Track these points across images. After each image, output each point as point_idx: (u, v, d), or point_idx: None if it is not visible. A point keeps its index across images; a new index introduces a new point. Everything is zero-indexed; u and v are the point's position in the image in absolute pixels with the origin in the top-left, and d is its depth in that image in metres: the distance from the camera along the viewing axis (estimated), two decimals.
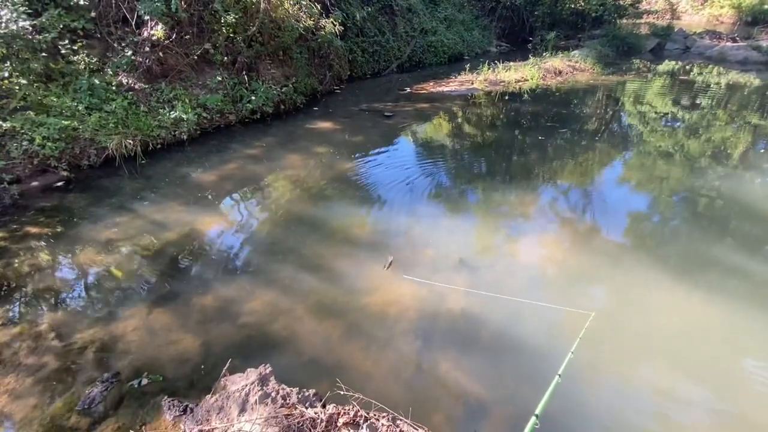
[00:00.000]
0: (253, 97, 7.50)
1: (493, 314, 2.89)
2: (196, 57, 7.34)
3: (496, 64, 10.95)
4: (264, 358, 2.44)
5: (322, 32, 9.02)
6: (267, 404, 1.88)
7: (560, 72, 11.01)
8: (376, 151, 6.30)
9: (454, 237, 3.88)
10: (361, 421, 1.78)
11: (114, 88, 6.32)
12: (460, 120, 7.90)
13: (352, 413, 1.82)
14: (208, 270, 3.55)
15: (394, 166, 5.74)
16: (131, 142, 5.72)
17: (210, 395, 2.10)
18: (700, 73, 11.16)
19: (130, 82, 6.62)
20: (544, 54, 12.21)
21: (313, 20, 8.75)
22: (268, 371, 2.10)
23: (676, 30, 15.16)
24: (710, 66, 11.98)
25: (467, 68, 10.92)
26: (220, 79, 7.30)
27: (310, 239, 3.93)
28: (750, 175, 5.01)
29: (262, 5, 7.75)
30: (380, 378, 2.43)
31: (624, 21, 16.85)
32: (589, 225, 4.16)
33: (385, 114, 8.12)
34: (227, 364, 2.30)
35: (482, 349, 2.64)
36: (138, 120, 6.03)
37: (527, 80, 10.25)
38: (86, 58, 6.28)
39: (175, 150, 6.17)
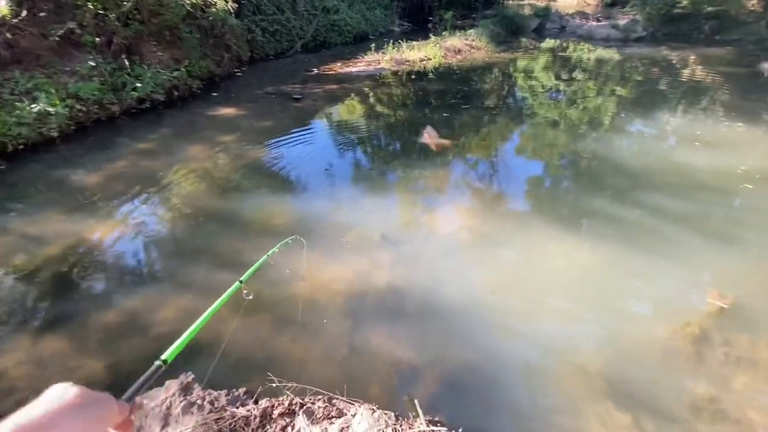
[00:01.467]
0: (139, 84, 6.62)
1: (416, 284, 3.04)
2: (57, 38, 6.21)
3: (400, 43, 11.14)
4: (188, 366, 2.26)
5: (213, 9, 8.24)
6: (193, 413, 1.76)
7: (459, 50, 11.61)
8: (288, 136, 6.06)
9: (376, 215, 3.95)
10: (297, 408, 1.76)
11: None
12: (372, 101, 7.94)
13: (286, 403, 1.79)
14: (106, 283, 3.14)
15: (309, 150, 5.59)
16: None
17: None
18: (575, 50, 12.66)
19: None
20: (443, 33, 12.73)
21: None
22: (190, 379, 1.96)
23: (553, 11, 16.88)
24: (581, 43, 13.64)
25: (373, 48, 10.94)
26: (93, 64, 6.29)
27: (224, 235, 3.68)
28: (617, 137, 5.90)
29: None
30: (314, 364, 2.42)
31: (510, 2, 18.32)
32: (495, 193, 4.54)
33: (294, 97, 7.81)
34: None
35: (410, 317, 2.77)
36: None
37: (430, 59, 10.64)
38: None
39: (44, 150, 5.24)
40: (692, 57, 10.75)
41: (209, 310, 0.87)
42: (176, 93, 7.26)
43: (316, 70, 9.78)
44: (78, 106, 5.84)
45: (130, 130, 6.01)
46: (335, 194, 4.45)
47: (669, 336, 2.52)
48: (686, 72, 9.43)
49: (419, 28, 15.45)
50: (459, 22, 15.59)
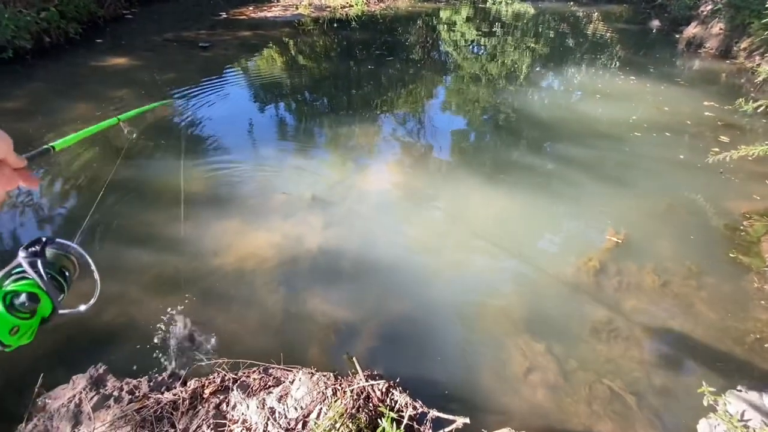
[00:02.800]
0: None
1: (349, 244, 3.01)
2: None
3: None
4: (99, 358, 2.02)
5: None
6: (110, 407, 1.59)
7: None
8: (198, 90, 5.41)
9: (305, 177, 3.78)
10: (231, 384, 1.69)
11: None
12: (292, 51, 7.33)
13: (218, 380, 1.70)
14: None
15: (224, 107, 5.07)
16: None
17: (24, 424, 1.66)
18: (494, 3, 12.81)
19: None
20: None
21: None
22: (102, 371, 1.76)
23: None
24: None
25: None
26: None
27: (131, 207, 3.25)
28: (531, 91, 6.22)
29: None
30: (248, 336, 2.32)
31: None
32: (423, 147, 4.58)
33: (201, 45, 6.90)
34: (39, 382, 1.82)
35: (345, 278, 2.76)
36: None
37: (352, 6, 10.03)
38: None
39: None
40: (595, 13, 11.52)
41: (84, 131, 0.82)
42: (47, 39, 5.99)
43: (224, 14, 8.69)
44: None
45: None
46: (260, 154, 4.14)
47: (574, 271, 2.85)
48: (590, 28, 10.11)
49: None
50: None
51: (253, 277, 2.69)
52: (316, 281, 2.70)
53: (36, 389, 1.78)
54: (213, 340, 2.24)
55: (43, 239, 0.48)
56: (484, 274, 2.88)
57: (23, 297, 0.44)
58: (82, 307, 0.50)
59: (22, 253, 0.46)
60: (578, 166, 4.15)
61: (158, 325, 2.29)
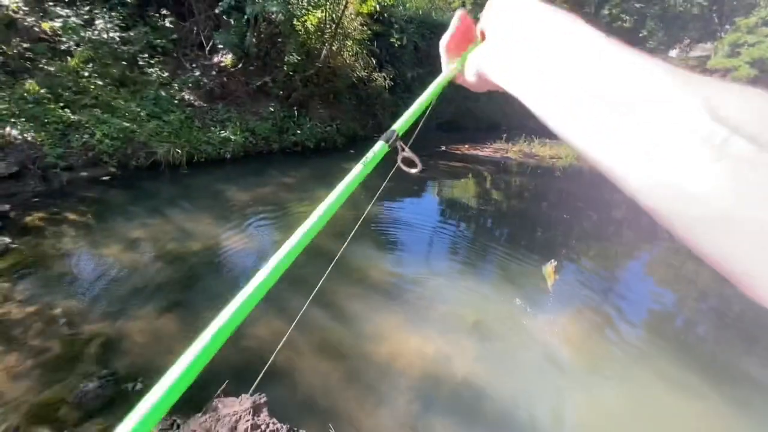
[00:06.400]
0: (299, 131, 7.95)
1: (498, 389, 2.76)
2: (255, 87, 7.93)
3: (532, 138, 11.27)
4: (259, 387, 2.39)
5: (373, 84, 9.63)
6: None
7: None
8: (402, 198, 6.44)
9: (471, 299, 3.82)
10: None
11: (176, 101, 6.86)
12: (488, 185, 8.05)
13: None
14: (221, 286, 3.59)
15: (418, 215, 5.83)
16: (179, 151, 6.09)
17: (200, 414, 2.06)
18: None
19: (191, 98, 7.17)
20: None
21: (367, 72, 9.41)
22: (262, 401, 2.06)
23: None
24: None
25: (504, 138, 11.27)
26: (272, 110, 7.82)
27: (318, 269, 3.95)
28: None
29: (324, 52, 8.43)
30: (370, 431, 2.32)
31: None
32: (610, 315, 4.01)
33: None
34: (223, 386, 2.27)
35: (482, 424, 2.49)
36: (190, 133, 6.46)
37: (561, 158, 10.45)
38: (159, 72, 6.90)
39: (215, 166, 6.51)
40: None
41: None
42: (323, 144, 8.48)
43: (444, 147, 10.43)
44: (251, 139, 7.25)
45: (281, 165, 7.13)
46: (432, 264, 4.47)
47: None
48: None
49: None
50: None
51: (396, 377, 2.75)
52: (451, 413, 2.54)
53: (219, 392, 2.22)
54: (343, 419, 2.33)
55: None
56: None
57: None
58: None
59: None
60: None
61: (305, 379, 2.55)
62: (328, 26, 8.82)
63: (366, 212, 5.59)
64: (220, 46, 7.71)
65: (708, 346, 3.69)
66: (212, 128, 6.82)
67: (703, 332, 3.93)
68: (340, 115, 9.18)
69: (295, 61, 7.98)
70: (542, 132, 13.99)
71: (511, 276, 4.51)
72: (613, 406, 2.77)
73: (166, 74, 6.98)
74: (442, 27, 13.87)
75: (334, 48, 8.57)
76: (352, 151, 8.91)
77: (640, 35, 15.38)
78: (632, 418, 2.69)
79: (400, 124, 0.54)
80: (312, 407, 2.41)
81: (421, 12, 12.54)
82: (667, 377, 3.10)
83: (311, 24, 8.69)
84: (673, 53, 24.78)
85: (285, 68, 8.14)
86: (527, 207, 7.00)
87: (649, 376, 3.10)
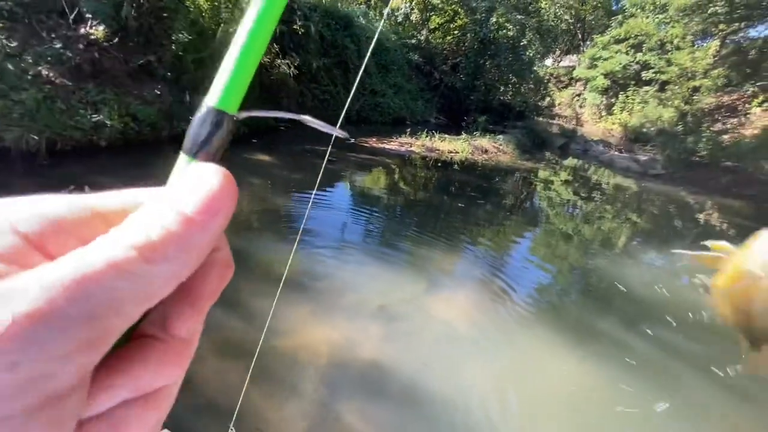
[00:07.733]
0: (192, 118, 7.23)
1: (404, 366, 2.91)
2: (137, 66, 6.97)
3: (433, 133, 12.00)
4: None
5: (277, 71, 9.22)
6: None
7: (486, 150, 12.37)
8: (311, 191, 6.34)
9: (377, 285, 3.94)
10: None
11: (29, 77, 5.68)
12: (396, 177, 8.35)
13: None
14: None
15: (328, 207, 5.79)
16: (35, 137, 5.08)
17: None
18: (595, 173, 13.32)
19: (51, 75, 6.01)
20: (474, 133, 13.71)
21: (269, 57, 8.97)
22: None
23: (578, 134, 18.16)
24: (602, 168, 14.38)
25: (408, 132, 11.79)
26: (159, 93, 6.97)
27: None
28: (630, 263, 5.93)
29: (219, 34, 7.80)
30: (280, 423, 2.26)
31: (540, 119, 19.91)
32: (501, 289, 4.50)
33: (328, 159, 8.30)
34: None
35: (390, 401, 2.61)
36: (51, 116, 5.43)
37: (458, 152, 11.33)
38: (5, 41, 5.64)
39: (87, 155, 5.59)
40: (709, 203, 11.12)
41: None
42: None
43: (353, 140, 10.49)
44: (132, 125, 6.35)
45: (171, 156, 6.40)
46: (342, 254, 4.50)
47: None
48: (702, 216, 9.70)
49: (453, 124, 16.69)
50: (491, 126, 16.83)
51: (301, 370, 2.71)
52: (360, 395, 2.60)
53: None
54: (250, 416, 2.22)
55: None
56: None
57: None
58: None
59: None
60: (682, 359, 3.62)
61: (208, 384, 2.37)
62: (224, 5, 8.15)
63: (273, 205, 5.37)
64: (89, 16, 6.58)
65: (575, 310, 4.39)
66: (80, 111, 5.80)
67: (572, 300, 4.66)
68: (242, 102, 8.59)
69: (186, 40, 7.22)
70: (441, 128, 14.95)
71: (416, 260, 4.77)
72: (502, 368, 3.13)
73: (15, 44, 5.71)
74: (348, 18, 13.85)
75: (230, 30, 7.97)
76: (255, 141, 8.44)
77: (521, 44, 17.39)
78: (518, 377, 3.08)
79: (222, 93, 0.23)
80: (214, 411, 2.25)
81: (325, 1, 12.34)
82: (544, 339, 3.61)
83: (204, 1, 7.94)
84: (548, 62, 28.64)
85: (173, 47, 7.30)
86: (430, 197, 7.46)
87: (530, 339, 3.57)
